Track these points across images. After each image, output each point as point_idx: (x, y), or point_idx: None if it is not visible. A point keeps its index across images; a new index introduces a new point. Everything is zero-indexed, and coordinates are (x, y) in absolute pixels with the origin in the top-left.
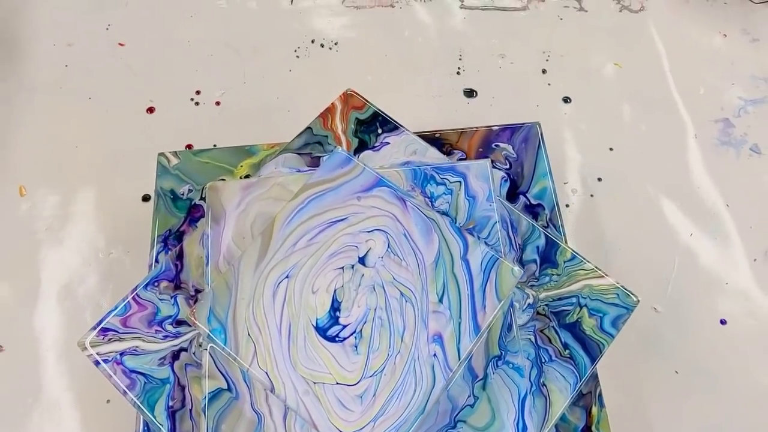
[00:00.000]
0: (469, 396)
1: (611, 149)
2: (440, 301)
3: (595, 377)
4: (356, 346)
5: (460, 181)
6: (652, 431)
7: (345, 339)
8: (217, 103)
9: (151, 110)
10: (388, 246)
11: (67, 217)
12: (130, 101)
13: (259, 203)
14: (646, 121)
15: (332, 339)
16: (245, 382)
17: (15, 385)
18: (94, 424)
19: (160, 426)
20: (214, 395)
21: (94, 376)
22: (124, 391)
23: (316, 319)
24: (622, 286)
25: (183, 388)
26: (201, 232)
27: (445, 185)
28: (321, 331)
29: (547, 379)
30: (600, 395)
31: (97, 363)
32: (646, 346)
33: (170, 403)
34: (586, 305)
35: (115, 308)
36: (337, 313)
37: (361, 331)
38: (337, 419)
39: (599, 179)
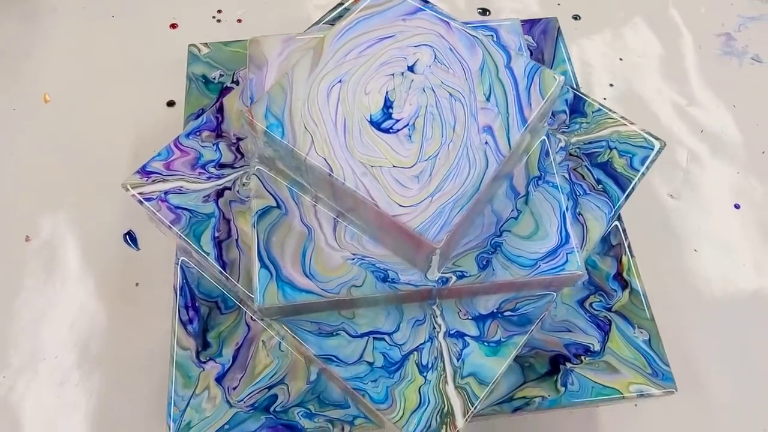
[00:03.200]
0: (512, 210)
1: (621, 59)
2: (487, 100)
3: (624, 231)
4: (410, 136)
5: (492, 35)
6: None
7: (399, 130)
8: (239, 21)
9: (174, 26)
10: (435, 57)
11: (92, 120)
12: (153, 18)
13: (301, 52)
14: (652, 35)
15: (386, 130)
16: (293, 199)
17: (39, 270)
18: (123, 307)
19: (206, 254)
20: (264, 212)
21: (124, 260)
22: (170, 225)
23: (370, 115)
24: (648, 132)
25: (228, 221)
26: (240, 89)
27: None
28: (375, 124)
29: (583, 209)
30: (629, 246)
31: (141, 201)
32: (664, 229)
33: (216, 234)
34: (615, 147)
35: (158, 154)
36: (390, 110)
37: (413, 123)
38: (396, 196)
39: (611, 85)
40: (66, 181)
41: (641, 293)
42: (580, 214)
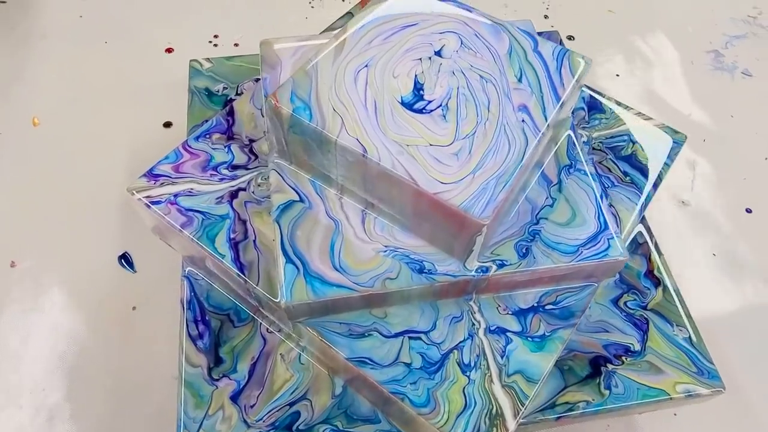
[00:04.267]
0: (546, 198)
1: (617, 75)
2: (519, 81)
3: (649, 230)
4: (444, 116)
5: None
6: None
7: (432, 111)
8: (236, 45)
9: (169, 50)
10: (462, 43)
11: (84, 142)
12: (147, 43)
13: (320, 44)
14: (644, 51)
15: (419, 111)
16: (317, 193)
17: (24, 297)
18: (119, 334)
19: (221, 256)
20: (286, 206)
21: (119, 284)
22: (180, 229)
23: (401, 97)
24: (668, 126)
25: (244, 222)
26: (251, 93)
27: None
28: (407, 105)
29: (614, 201)
30: (656, 245)
31: (148, 205)
32: (681, 233)
33: (232, 236)
34: (637, 141)
35: (165, 157)
36: (421, 92)
37: (446, 104)
38: (436, 173)
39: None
40: (56, 205)
41: (674, 290)
42: (611, 205)
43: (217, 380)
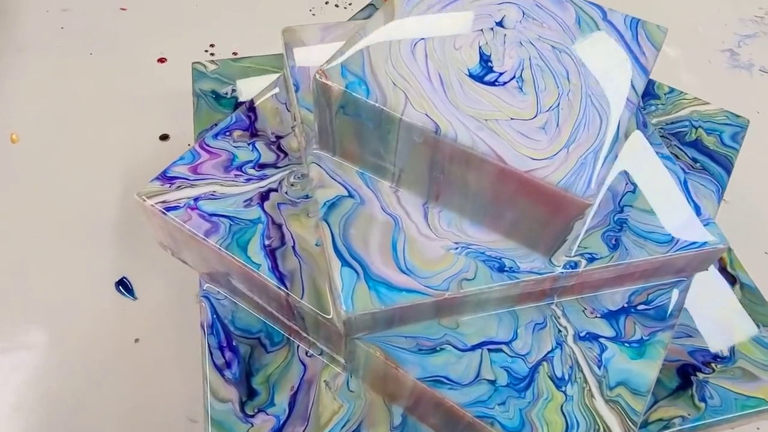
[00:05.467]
0: (626, 183)
1: None
2: None
3: None
4: (520, 88)
5: None
6: None
7: (506, 83)
8: (234, 54)
9: (162, 60)
10: (524, 13)
11: (70, 159)
12: (137, 54)
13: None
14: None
15: (491, 83)
16: (368, 186)
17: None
18: (121, 369)
19: (256, 266)
20: (333, 203)
21: (118, 313)
22: (204, 238)
23: (468, 69)
24: (728, 111)
25: (279, 227)
26: (272, 86)
27: None
28: (476, 78)
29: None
30: None
31: (164, 212)
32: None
33: (266, 242)
34: (700, 126)
35: (180, 158)
36: (489, 64)
37: (521, 75)
38: (524, 149)
39: None
40: (41, 228)
41: (754, 288)
42: None
43: (252, 416)
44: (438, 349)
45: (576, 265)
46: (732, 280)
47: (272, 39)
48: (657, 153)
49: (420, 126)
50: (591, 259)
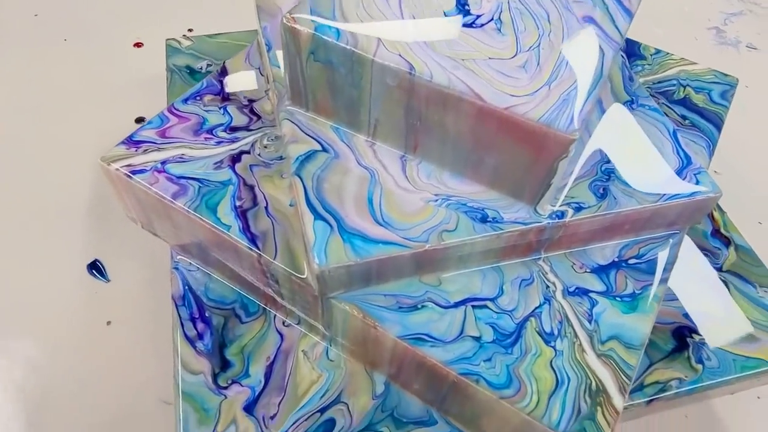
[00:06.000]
0: (614, 135)
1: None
2: None
3: None
4: (499, 30)
5: None
6: None
7: (484, 25)
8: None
9: (138, 45)
10: None
11: (42, 144)
12: (113, 39)
13: None
14: (651, 29)
15: (469, 26)
16: (343, 141)
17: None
18: (91, 353)
19: (226, 228)
20: (307, 158)
21: (91, 297)
22: (171, 200)
23: (443, 12)
24: (716, 70)
25: (252, 188)
26: (244, 54)
27: None
28: (453, 20)
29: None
30: (717, 204)
31: (129, 176)
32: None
33: (237, 203)
34: (688, 85)
35: (148, 122)
36: (467, 7)
37: (499, 18)
38: (503, 86)
39: None
40: (8, 210)
41: (749, 249)
42: None
43: (225, 388)
44: (419, 306)
45: (563, 214)
46: (726, 241)
47: (251, 24)
48: (644, 105)
49: (393, 67)
50: (578, 209)
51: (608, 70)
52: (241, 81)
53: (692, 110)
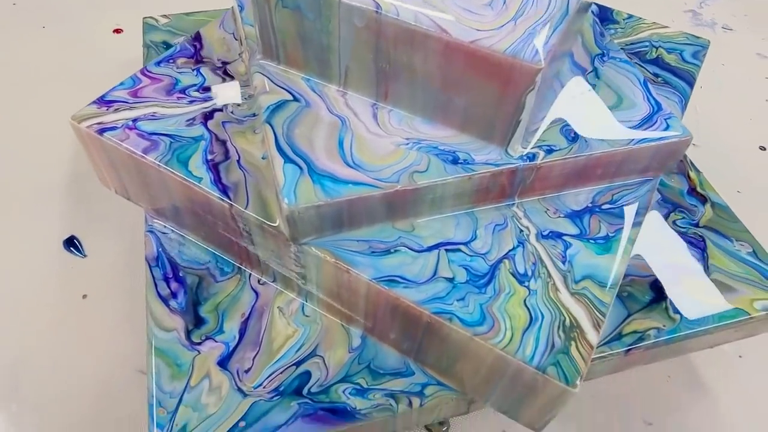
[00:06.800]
0: (583, 84)
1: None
2: None
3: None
4: None
5: None
6: None
7: None
8: None
9: (118, 31)
10: None
11: (17, 126)
12: (92, 25)
13: None
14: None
15: None
16: (314, 91)
17: None
18: (69, 325)
19: (197, 179)
20: (277, 107)
21: (67, 272)
22: (142, 155)
23: None
24: (687, 33)
25: (224, 143)
26: (219, 20)
27: None
28: None
29: None
30: (692, 162)
31: (100, 132)
32: None
33: (209, 157)
34: (660, 46)
35: (120, 83)
36: None
37: None
38: (469, 22)
39: None
40: None
41: (725, 206)
42: None
43: (199, 344)
44: (392, 251)
45: (534, 156)
46: (702, 199)
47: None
48: (615, 58)
49: (360, 7)
50: (549, 151)
51: (575, 8)
52: (214, 44)
53: (664, 69)
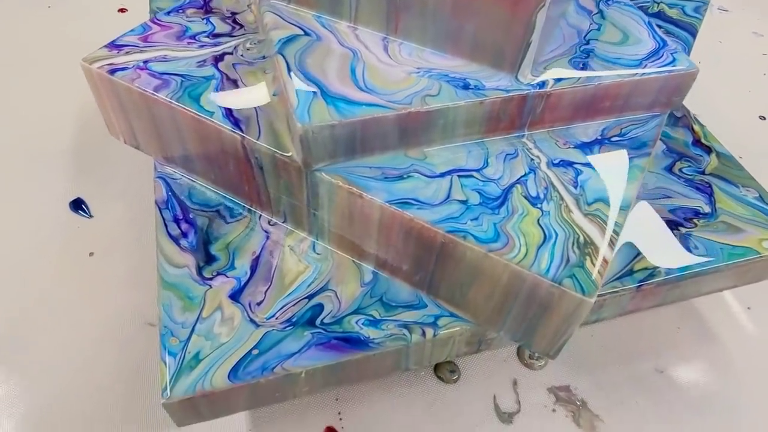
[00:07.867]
0: (591, 24)
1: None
2: None
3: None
4: None
5: None
6: None
7: None
8: None
9: (123, 11)
10: None
11: (27, 96)
12: (97, 5)
13: None
14: None
15: None
16: (325, 27)
17: None
18: (76, 281)
19: (209, 113)
20: (289, 40)
21: (74, 231)
22: (153, 93)
23: None
24: None
25: (234, 82)
26: None
27: None
28: None
29: None
30: (696, 117)
31: (112, 71)
32: None
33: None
34: (662, 1)
35: (131, 30)
36: None
37: None
38: None
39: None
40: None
41: (730, 155)
42: None
43: (211, 279)
44: (405, 176)
45: (543, 84)
46: (707, 149)
47: None
48: (619, 2)
49: None
50: (558, 80)
51: None
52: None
53: (667, 21)
